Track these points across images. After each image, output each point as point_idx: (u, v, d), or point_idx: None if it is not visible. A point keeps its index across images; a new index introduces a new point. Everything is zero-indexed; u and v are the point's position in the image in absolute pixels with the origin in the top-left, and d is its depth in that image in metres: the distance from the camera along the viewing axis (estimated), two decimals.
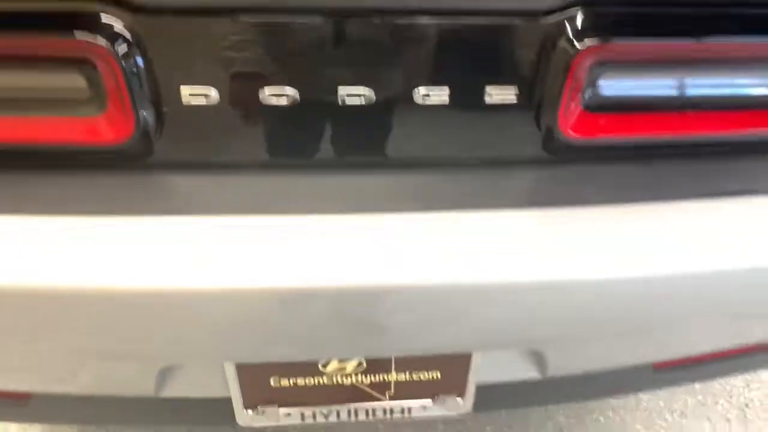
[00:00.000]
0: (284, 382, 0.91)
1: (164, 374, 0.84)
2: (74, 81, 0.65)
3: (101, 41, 0.62)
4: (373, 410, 0.97)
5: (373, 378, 0.92)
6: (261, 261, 0.67)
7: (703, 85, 0.70)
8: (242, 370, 0.87)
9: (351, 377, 0.92)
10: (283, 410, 0.95)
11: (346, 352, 0.81)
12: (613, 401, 1.70)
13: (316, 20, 0.64)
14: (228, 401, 0.93)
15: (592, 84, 0.67)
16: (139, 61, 0.64)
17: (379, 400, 0.96)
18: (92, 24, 0.62)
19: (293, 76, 0.67)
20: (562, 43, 0.65)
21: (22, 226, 0.69)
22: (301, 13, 0.64)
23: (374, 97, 0.67)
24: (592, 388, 1.05)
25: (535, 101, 0.69)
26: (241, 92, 0.67)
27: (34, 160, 0.73)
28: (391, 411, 0.97)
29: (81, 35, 0.62)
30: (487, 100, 0.67)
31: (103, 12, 0.63)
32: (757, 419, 1.66)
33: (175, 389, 0.89)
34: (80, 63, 0.64)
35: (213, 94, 0.66)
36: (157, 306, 0.68)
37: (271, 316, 0.69)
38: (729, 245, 0.70)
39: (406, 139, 0.72)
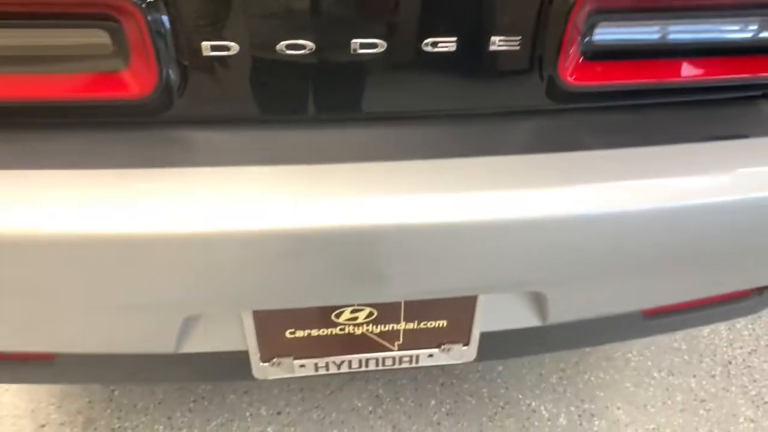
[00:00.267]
0: (299, 334, 0.95)
1: (186, 327, 0.88)
2: (99, 36, 0.68)
3: None
4: (383, 359, 1.01)
5: (382, 328, 0.97)
6: (277, 205, 0.71)
7: (697, 30, 0.75)
8: (259, 321, 0.91)
9: (362, 327, 0.96)
10: (297, 362, 0.99)
11: (358, 295, 0.84)
12: (603, 362, 1.78)
13: None
14: (245, 355, 0.97)
15: (591, 32, 0.71)
16: (163, 14, 0.67)
17: (388, 349, 1.01)
18: None
19: (308, 28, 0.70)
20: None
21: (47, 179, 0.72)
22: None
23: (386, 47, 0.71)
24: (587, 336, 1.11)
25: (538, 50, 0.73)
26: (259, 45, 0.71)
27: (57, 116, 0.75)
28: (400, 360, 1.02)
29: None
30: (492, 48, 0.71)
31: None
32: (740, 375, 1.75)
33: (195, 345, 0.92)
34: (105, 18, 0.67)
35: (233, 46, 0.70)
36: (179, 251, 0.71)
37: (286, 257, 0.73)
38: (721, 183, 0.75)
39: (417, 90, 0.76)
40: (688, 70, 0.76)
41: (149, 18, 0.66)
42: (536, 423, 1.59)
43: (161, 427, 1.54)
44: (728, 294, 1.08)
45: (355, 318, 0.95)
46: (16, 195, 0.70)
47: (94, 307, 0.83)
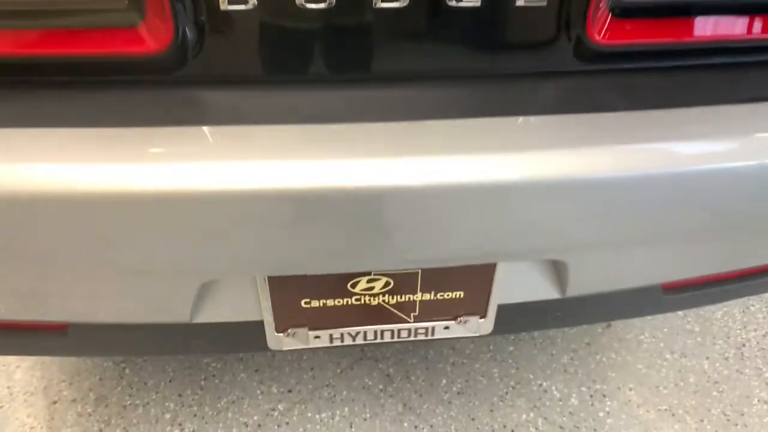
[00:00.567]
0: (314, 304, 0.94)
1: (201, 295, 0.87)
2: None
3: None
4: (398, 331, 1.00)
5: (399, 298, 0.96)
6: (293, 165, 0.69)
7: None
8: (275, 290, 0.90)
9: (378, 298, 0.95)
10: (312, 333, 0.98)
11: (375, 261, 0.82)
12: (615, 343, 1.76)
13: None
14: (260, 325, 0.95)
15: None
16: None
17: (404, 321, 0.99)
18: None
19: None
20: None
21: (60, 138, 0.71)
22: None
23: (409, 1, 0.69)
24: (605, 310, 1.09)
25: (565, 6, 0.71)
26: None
27: (71, 73, 0.74)
28: (415, 332, 1.01)
29: None
30: (518, 4, 0.69)
31: None
32: (754, 357, 1.73)
33: (210, 315, 0.91)
34: None
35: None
36: (193, 211, 0.70)
37: (303, 219, 0.71)
38: (754, 146, 0.73)
39: (441, 48, 0.74)
40: (724, 29, 0.73)
41: None
42: (547, 403, 1.58)
43: (172, 404, 1.54)
44: (750, 269, 1.06)
45: (371, 288, 0.94)
46: (28, 153, 0.69)
47: (108, 273, 0.82)
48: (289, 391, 1.58)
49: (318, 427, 1.49)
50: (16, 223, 0.71)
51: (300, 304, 0.94)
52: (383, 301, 0.96)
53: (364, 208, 0.70)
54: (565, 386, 1.63)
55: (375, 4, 0.69)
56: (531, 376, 1.64)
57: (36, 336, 0.95)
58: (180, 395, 1.56)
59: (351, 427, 1.50)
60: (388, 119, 0.73)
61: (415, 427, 1.50)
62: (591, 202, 0.74)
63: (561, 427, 1.52)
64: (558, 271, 0.93)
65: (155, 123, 0.71)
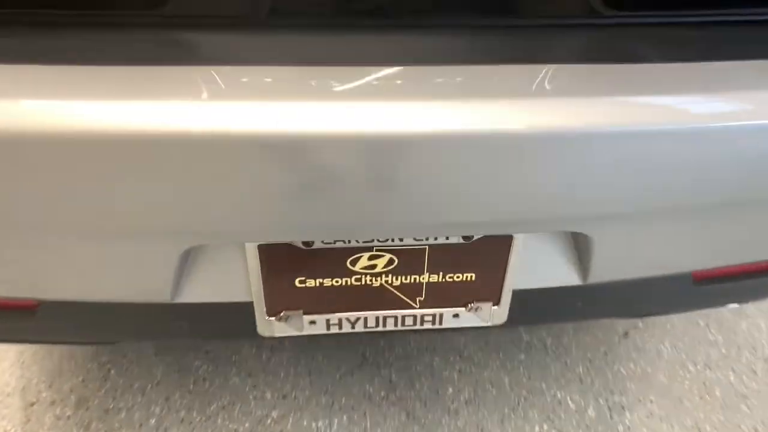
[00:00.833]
0: (310, 283, 0.85)
1: (183, 268, 0.78)
2: None
3: None
4: (403, 318, 0.91)
5: (403, 279, 0.86)
6: (282, 106, 0.62)
7: None
8: (266, 265, 0.81)
9: (380, 278, 0.86)
10: (307, 317, 0.88)
11: (377, 226, 0.73)
12: (633, 353, 1.65)
13: None
14: (249, 307, 0.86)
15: None
16: None
17: (409, 306, 0.90)
18: None
19: None
20: None
21: (51, 74, 0.63)
22: None
23: None
24: (630, 302, 1.00)
25: None
26: None
27: (57, 8, 0.67)
28: (422, 319, 0.91)
29: None
30: None
31: None
32: None
33: (193, 294, 0.82)
34: None
35: None
36: (174, 156, 0.62)
37: (294, 168, 0.63)
38: None
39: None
40: None
41: None
42: (562, 415, 1.47)
43: (158, 408, 1.44)
44: None
45: (374, 266, 0.85)
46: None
47: (82, 234, 0.73)
48: (284, 397, 1.47)
49: None
50: None
51: (294, 283, 0.85)
52: (386, 282, 0.86)
53: (367, 156, 0.62)
54: (581, 397, 1.51)
55: None
56: (544, 386, 1.53)
57: (2, 316, 0.86)
58: (167, 399, 1.45)
59: None
60: (390, 63, 0.65)
61: None
62: (620, 159, 0.65)
63: None
64: (579, 250, 0.84)
65: (133, 62, 0.64)
